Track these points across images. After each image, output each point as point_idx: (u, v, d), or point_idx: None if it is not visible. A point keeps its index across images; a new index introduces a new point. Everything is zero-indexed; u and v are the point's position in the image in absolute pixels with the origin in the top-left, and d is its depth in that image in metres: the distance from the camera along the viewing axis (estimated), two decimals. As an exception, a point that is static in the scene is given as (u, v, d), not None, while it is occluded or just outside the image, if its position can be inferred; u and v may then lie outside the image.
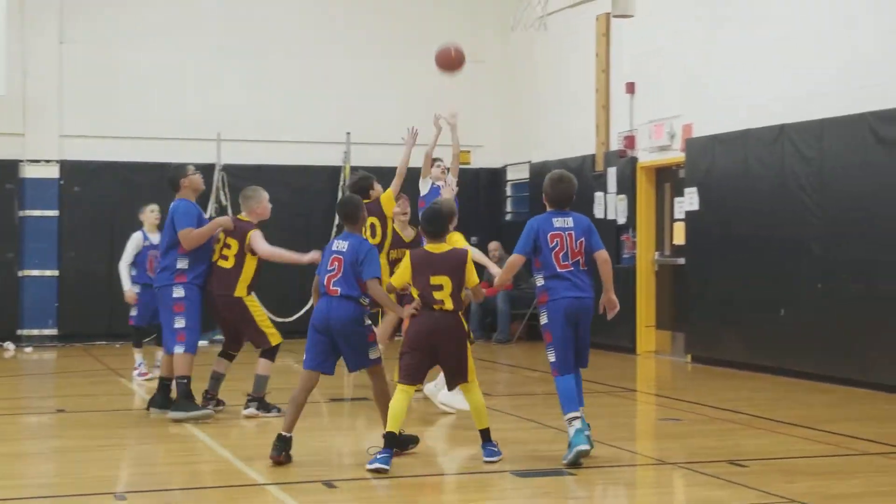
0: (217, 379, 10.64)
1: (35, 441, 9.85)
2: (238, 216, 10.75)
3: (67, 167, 18.34)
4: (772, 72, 13.93)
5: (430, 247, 8.37)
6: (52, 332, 18.19)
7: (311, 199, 19.21)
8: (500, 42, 20.13)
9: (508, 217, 20.42)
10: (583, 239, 8.43)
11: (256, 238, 10.34)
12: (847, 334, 12.48)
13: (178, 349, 10.19)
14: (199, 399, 10.30)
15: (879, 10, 12.37)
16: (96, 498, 7.34)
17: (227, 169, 18.75)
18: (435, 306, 8.21)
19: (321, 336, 8.46)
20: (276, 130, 19.14)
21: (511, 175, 20.34)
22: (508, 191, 20.43)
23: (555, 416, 10.33)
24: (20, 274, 18.14)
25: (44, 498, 7.52)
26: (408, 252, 8.69)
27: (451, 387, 8.63)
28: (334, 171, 19.46)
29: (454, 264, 8.31)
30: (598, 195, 17.20)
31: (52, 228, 18.29)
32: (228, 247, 10.38)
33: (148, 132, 18.55)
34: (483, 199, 20.21)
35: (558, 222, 8.44)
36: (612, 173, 16.99)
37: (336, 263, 8.48)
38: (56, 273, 18.27)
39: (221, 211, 18.57)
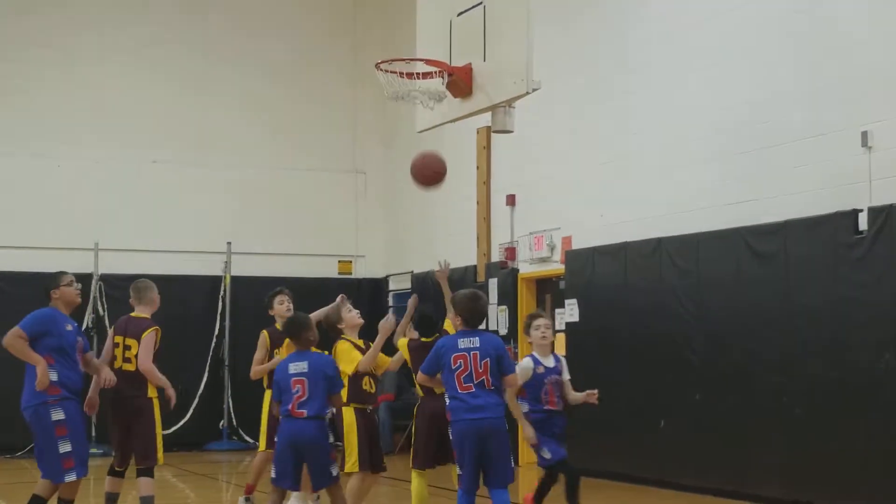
0: (114, 501, 10.16)
1: None
2: (131, 315, 10.35)
3: None
4: (649, 185, 14.20)
5: None
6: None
7: (193, 309, 19.00)
8: (382, 152, 20.31)
9: (390, 328, 20.35)
10: (487, 360, 8.38)
11: (145, 345, 9.97)
12: (725, 445, 12.60)
13: (70, 476, 9.39)
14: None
15: (753, 125, 12.71)
16: None
17: (105, 278, 18.47)
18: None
19: (289, 454, 8.63)
20: (154, 239, 18.95)
21: (393, 285, 20.38)
22: (391, 300, 20.42)
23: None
24: None
25: None
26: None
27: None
28: (216, 281, 19.31)
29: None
30: (478, 306, 17.24)
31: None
32: (129, 348, 9.99)
33: (22, 241, 18.22)
34: (365, 309, 20.05)
35: (464, 343, 8.44)
36: (493, 284, 17.10)
37: (299, 386, 8.58)
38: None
39: (98, 321, 18.25)
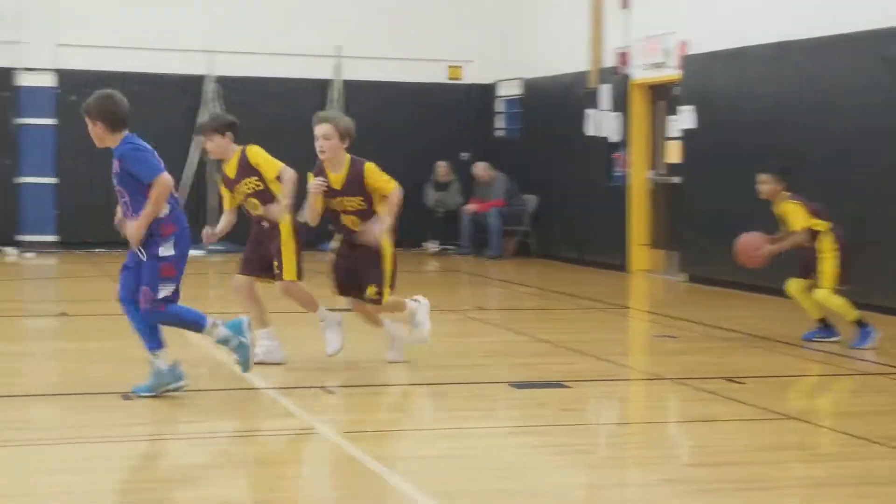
0: None
1: (38, 342, 9.89)
2: None
3: (64, 76, 18.21)
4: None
5: None
6: (53, 238, 18.29)
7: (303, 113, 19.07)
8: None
9: (499, 134, 20.33)
10: None
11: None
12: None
13: None
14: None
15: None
16: (102, 397, 7.40)
17: (221, 81, 18.64)
18: None
19: None
20: (269, 43, 18.94)
21: (502, 91, 20.22)
22: (499, 107, 20.31)
23: (548, 330, 10.44)
24: (17, 181, 18.15)
25: (49, 395, 7.58)
26: None
27: None
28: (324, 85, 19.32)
29: None
30: (590, 112, 17.13)
31: (49, 137, 18.23)
32: None
33: (143, 42, 18.36)
34: (473, 116, 20.12)
35: None
36: (605, 90, 16.91)
37: None
38: (55, 181, 18.27)
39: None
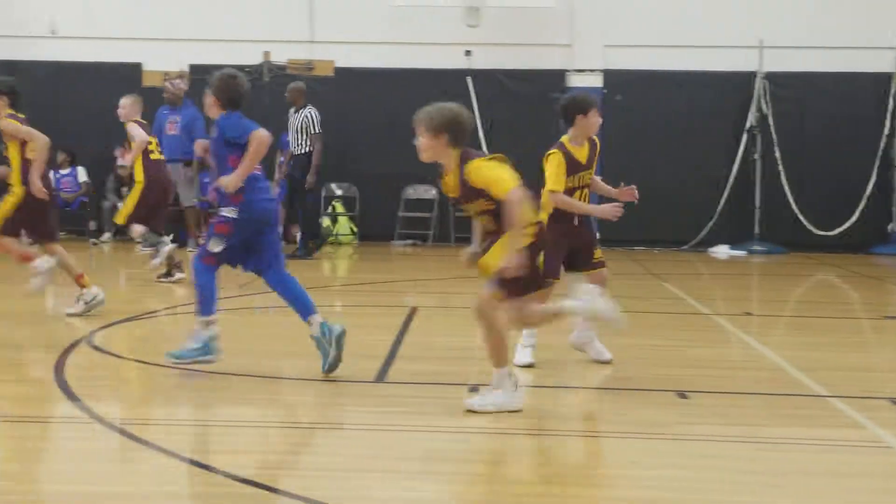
0: None
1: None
2: None
3: (610, 76, 18.56)
4: None
5: None
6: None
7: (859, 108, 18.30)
8: None
9: None
10: None
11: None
12: None
13: None
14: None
15: None
16: (658, 394, 7.35)
17: (770, 77, 18.27)
18: None
19: None
20: (819, 35, 18.30)
21: None
22: None
23: None
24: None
25: (615, 391, 7.61)
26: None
27: None
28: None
29: None
30: None
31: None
32: None
33: (689, 40, 18.34)
34: None
35: None
36: None
37: None
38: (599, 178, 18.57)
39: (762, 119, 18.20)
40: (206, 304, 7.63)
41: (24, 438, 6.21)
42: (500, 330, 6.65)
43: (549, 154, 8.04)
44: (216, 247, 7.63)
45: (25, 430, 6.39)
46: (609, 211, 8.13)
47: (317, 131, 15.97)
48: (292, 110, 16.20)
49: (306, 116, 16.02)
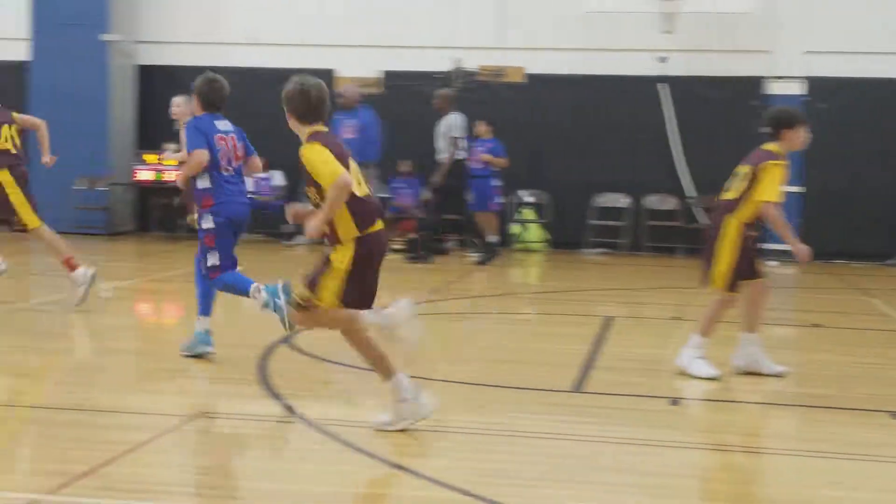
0: None
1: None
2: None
3: (813, 83, 18.08)
4: None
5: None
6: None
7: None
8: None
9: None
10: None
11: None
12: None
13: None
14: None
15: None
16: (865, 413, 7.12)
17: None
18: None
19: None
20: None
21: None
22: None
23: None
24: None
25: (821, 409, 7.40)
26: None
27: None
28: None
29: None
30: None
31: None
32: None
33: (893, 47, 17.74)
34: None
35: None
36: None
37: None
38: (802, 189, 18.05)
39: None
40: (204, 304, 8.20)
41: (229, 437, 6.36)
42: (362, 340, 6.26)
43: (773, 164, 7.87)
44: (213, 260, 8.06)
45: (231, 428, 6.55)
46: (805, 253, 7.95)
47: (455, 135, 15.90)
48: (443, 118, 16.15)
49: (452, 122, 16.00)
